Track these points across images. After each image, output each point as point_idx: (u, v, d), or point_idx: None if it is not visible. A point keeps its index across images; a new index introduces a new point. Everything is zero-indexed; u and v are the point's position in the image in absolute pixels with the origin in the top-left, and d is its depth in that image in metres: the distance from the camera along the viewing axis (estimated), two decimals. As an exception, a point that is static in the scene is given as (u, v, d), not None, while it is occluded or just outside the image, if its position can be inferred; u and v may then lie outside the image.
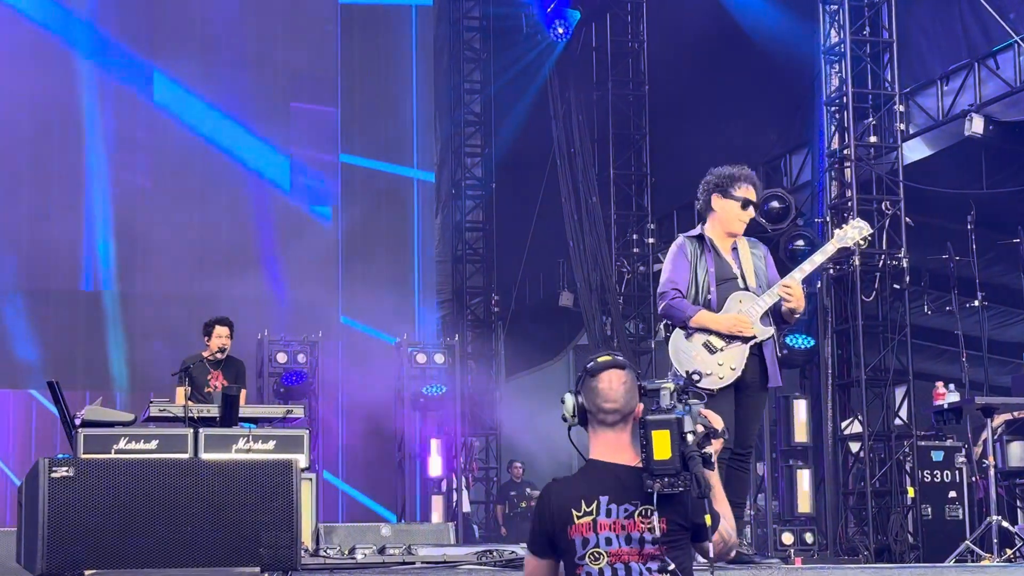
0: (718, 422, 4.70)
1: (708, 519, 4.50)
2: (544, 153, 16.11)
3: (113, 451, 6.46)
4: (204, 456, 6.53)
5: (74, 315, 15.57)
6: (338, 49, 16.46)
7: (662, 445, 4.42)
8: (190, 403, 9.70)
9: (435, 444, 15.18)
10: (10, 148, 16.81)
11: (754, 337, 7.07)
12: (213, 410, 9.01)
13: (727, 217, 7.25)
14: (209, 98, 16.67)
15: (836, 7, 14.23)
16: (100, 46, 17.47)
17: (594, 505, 4.58)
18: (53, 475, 4.31)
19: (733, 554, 5.19)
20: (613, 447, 4.68)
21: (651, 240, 15.46)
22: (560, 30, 15.84)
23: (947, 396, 12.20)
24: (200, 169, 16.38)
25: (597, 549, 4.54)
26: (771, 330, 7.24)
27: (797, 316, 7.48)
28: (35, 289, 15.66)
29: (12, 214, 16.20)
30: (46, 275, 16.21)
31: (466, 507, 14.93)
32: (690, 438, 4.43)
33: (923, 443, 12.98)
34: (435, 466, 15.22)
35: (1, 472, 14.61)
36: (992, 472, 9.67)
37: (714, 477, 4.67)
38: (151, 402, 9.96)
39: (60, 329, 15.38)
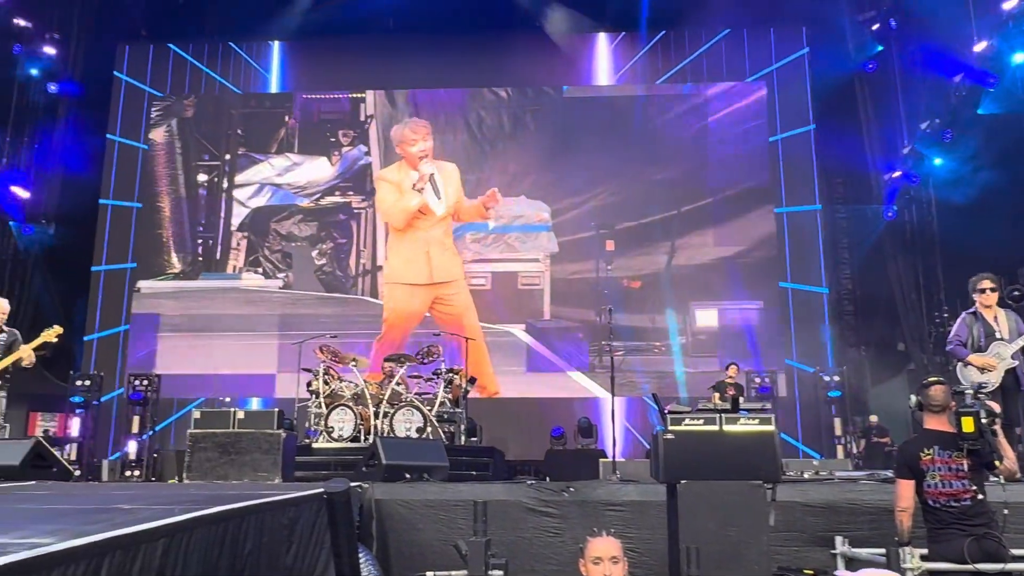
0: (996, 407, 4.87)
1: (996, 461, 4.63)
2: (887, 278, 14.98)
3: (682, 425, 6.34)
4: (724, 428, 6.39)
5: (663, 360, 15.05)
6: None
7: (968, 425, 4.62)
8: (717, 402, 9.93)
9: (837, 421, 14.06)
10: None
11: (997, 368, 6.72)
12: (727, 405, 9.30)
13: (979, 300, 6.89)
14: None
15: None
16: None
17: (931, 450, 4.70)
18: (664, 437, 4.31)
19: (1017, 476, 5.09)
20: (938, 423, 4.81)
21: (946, 315, 13.93)
22: (889, 214, 14.81)
23: None
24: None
25: (932, 473, 4.66)
26: (1016, 362, 6.75)
27: None
28: (633, 342, 14.99)
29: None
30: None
31: (854, 450, 13.96)
32: (984, 421, 4.61)
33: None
34: (837, 429, 14.09)
35: (636, 438, 14.34)
36: None
37: (1001, 437, 4.79)
38: (702, 401, 10.72)
39: (657, 365, 15.00)
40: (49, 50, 15.53)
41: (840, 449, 14.07)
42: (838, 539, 5.25)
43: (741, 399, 11.08)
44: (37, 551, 2.03)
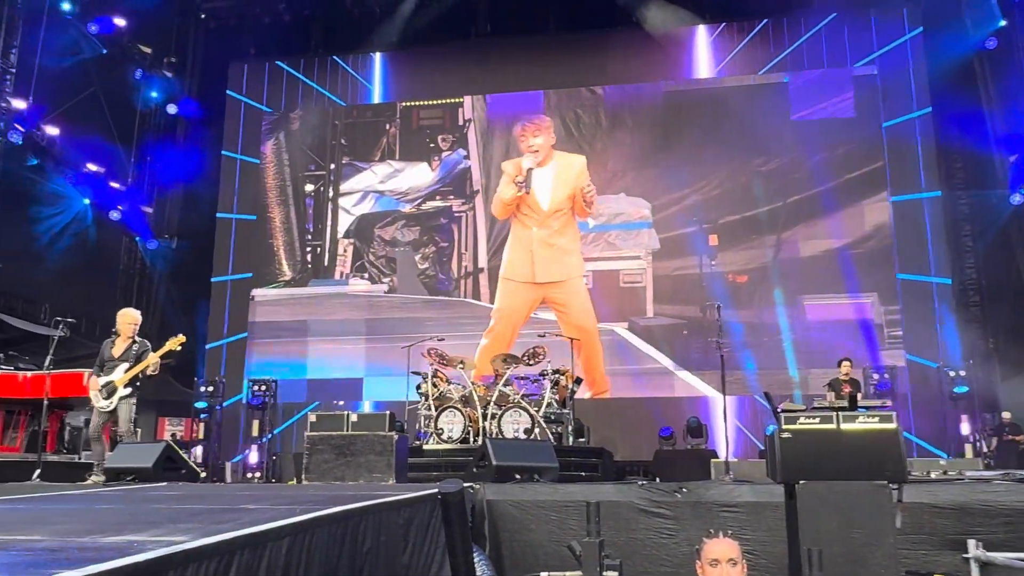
0: None
1: None
2: (1015, 266, 14.02)
3: (797, 424, 5.63)
4: (842, 427, 5.96)
5: (774, 357, 14.49)
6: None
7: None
8: (833, 400, 9.83)
9: (964, 419, 13.32)
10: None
11: None
12: (843, 403, 9.00)
13: None
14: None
15: None
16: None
17: None
18: (782, 436, 4.17)
19: None
20: None
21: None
22: (1016, 199, 13.73)
23: None
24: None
25: None
26: None
27: None
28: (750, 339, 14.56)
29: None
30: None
31: (984, 449, 13.08)
32: None
33: None
34: (964, 428, 13.36)
35: (747, 437, 13.92)
36: None
37: None
38: (817, 399, 10.61)
39: (767, 362, 14.47)
40: (167, 74, 16.39)
41: (969, 448, 13.40)
42: (971, 543, 5.04)
43: (859, 396, 10.90)
44: (172, 549, 2.12)
